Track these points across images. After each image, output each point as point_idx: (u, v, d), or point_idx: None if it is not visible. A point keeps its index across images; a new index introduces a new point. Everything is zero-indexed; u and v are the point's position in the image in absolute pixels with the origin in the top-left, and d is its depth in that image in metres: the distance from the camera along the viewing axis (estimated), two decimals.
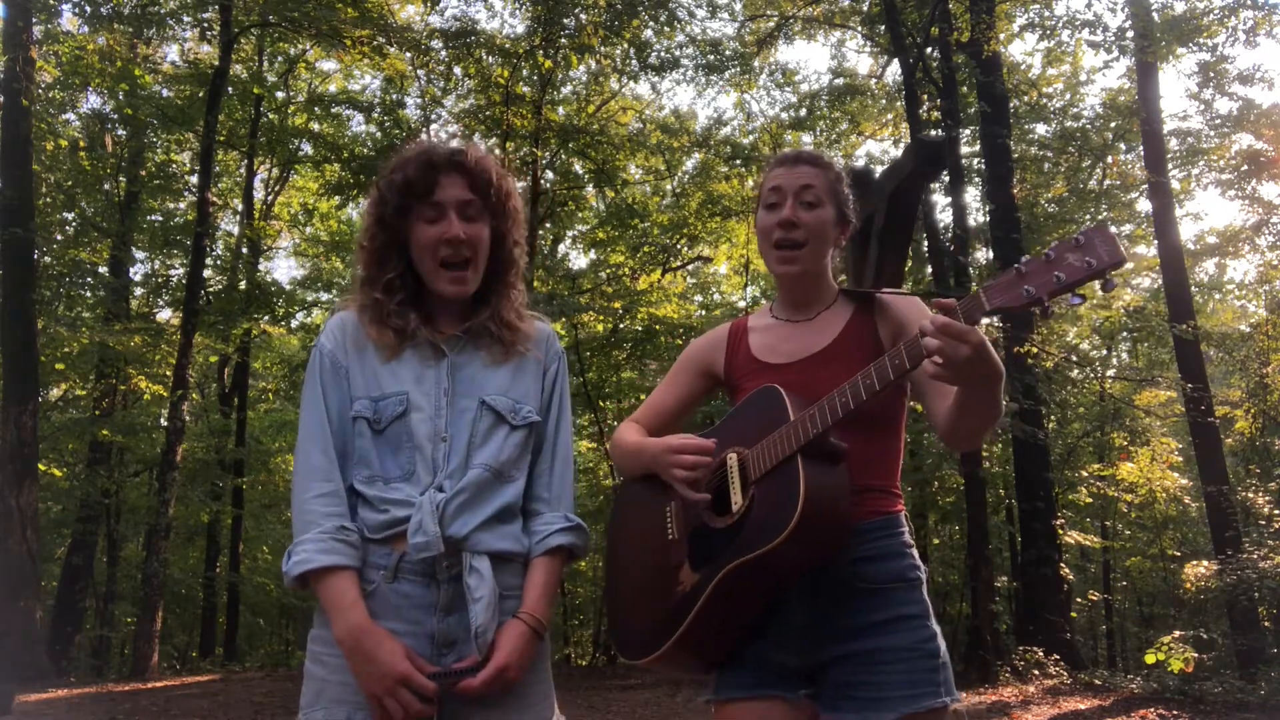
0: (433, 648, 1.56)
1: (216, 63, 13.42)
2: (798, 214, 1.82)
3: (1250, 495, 11.60)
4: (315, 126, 16.70)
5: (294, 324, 18.94)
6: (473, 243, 1.68)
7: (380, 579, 1.56)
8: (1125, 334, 17.05)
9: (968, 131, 14.19)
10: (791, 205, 1.82)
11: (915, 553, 1.77)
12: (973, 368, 1.44)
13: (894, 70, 15.65)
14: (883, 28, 14.23)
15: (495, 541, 1.62)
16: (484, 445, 1.65)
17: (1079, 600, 15.82)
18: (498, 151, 14.69)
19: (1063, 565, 11.97)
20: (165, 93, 15.39)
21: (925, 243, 13.55)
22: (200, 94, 14.18)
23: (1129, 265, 18.50)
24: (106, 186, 15.98)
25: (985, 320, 1.44)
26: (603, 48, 14.48)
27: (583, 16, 13.57)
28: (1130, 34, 12.24)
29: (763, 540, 1.57)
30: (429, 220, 1.67)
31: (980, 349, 1.42)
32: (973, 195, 15.36)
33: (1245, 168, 15.00)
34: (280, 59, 17.32)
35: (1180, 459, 15.18)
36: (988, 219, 13.27)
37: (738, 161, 16.11)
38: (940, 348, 1.42)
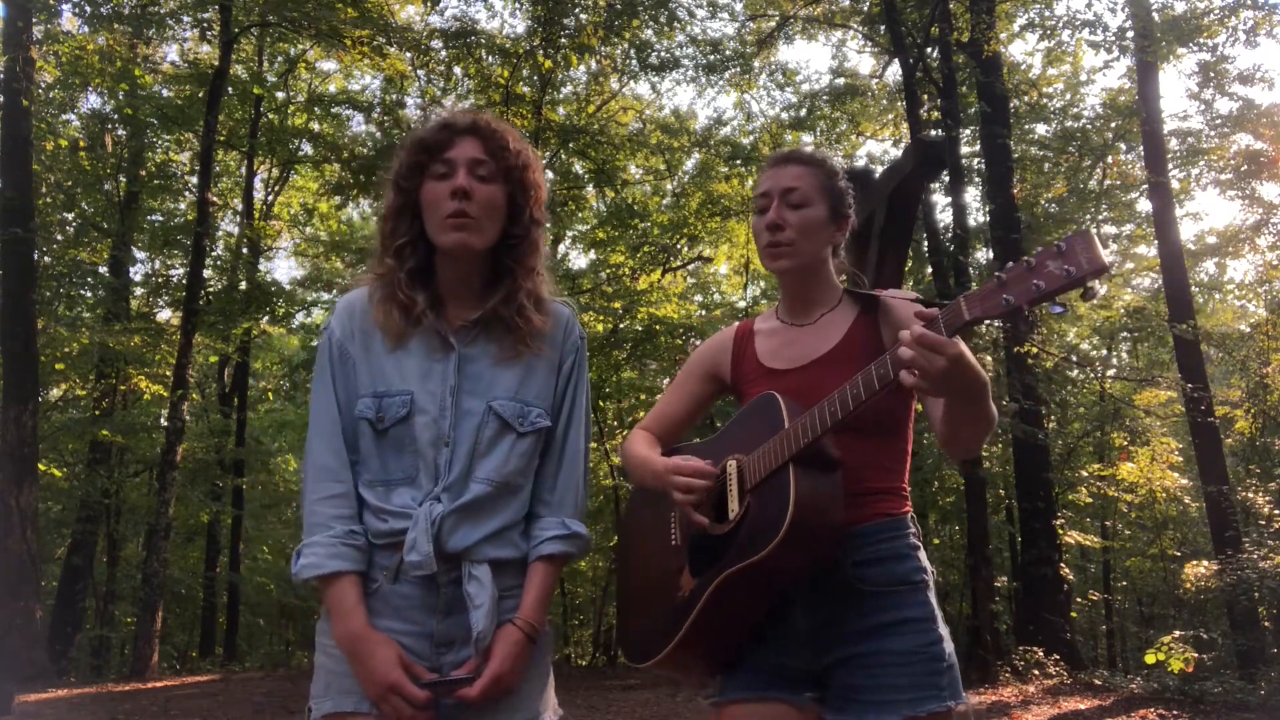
0: (432, 647, 1.57)
1: (216, 63, 13.40)
2: (783, 215, 1.81)
3: (1250, 495, 11.57)
4: (315, 126, 16.69)
5: (294, 324, 18.94)
6: (482, 201, 1.60)
7: (384, 579, 1.58)
8: (1125, 334, 17.05)
9: (968, 131, 14.19)
10: (776, 207, 1.81)
11: (922, 555, 1.76)
12: (950, 380, 1.41)
13: (894, 70, 15.65)
14: (883, 28, 14.23)
15: (495, 550, 1.61)
16: (488, 455, 1.61)
17: (1079, 600, 15.80)
18: None
19: (1063, 565, 11.97)
20: (165, 93, 15.38)
21: (925, 243, 13.55)
22: (200, 94, 14.16)
23: (1114, 270, 18.48)
24: (106, 186, 15.96)
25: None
26: (603, 48, 14.48)
27: (583, 16, 13.58)
28: (1130, 34, 12.22)
29: (755, 548, 1.58)
30: (439, 176, 1.62)
31: (957, 361, 1.39)
32: (973, 195, 15.38)
33: (1245, 168, 14.99)
34: (280, 59, 17.31)
35: (1180, 459, 15.16)
36: (988, 219, 13.27)
37: (738, 161, 16.09)
38: (914, 359, 1.40)
